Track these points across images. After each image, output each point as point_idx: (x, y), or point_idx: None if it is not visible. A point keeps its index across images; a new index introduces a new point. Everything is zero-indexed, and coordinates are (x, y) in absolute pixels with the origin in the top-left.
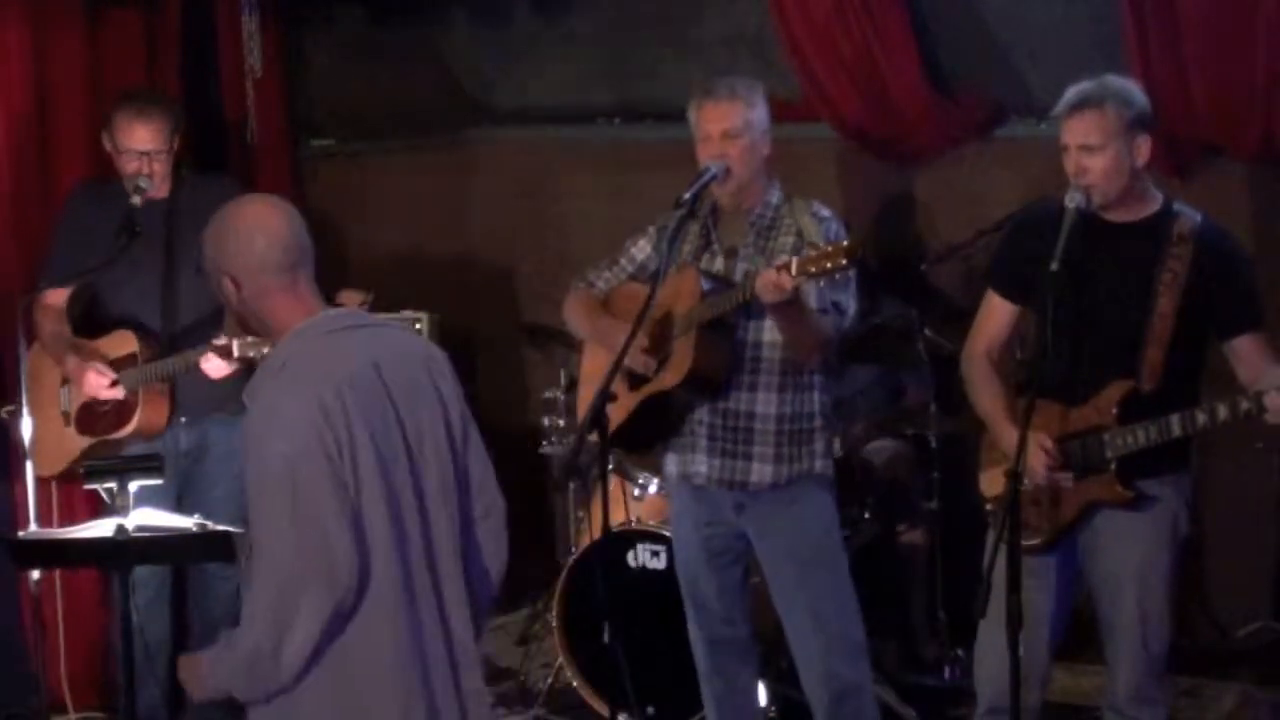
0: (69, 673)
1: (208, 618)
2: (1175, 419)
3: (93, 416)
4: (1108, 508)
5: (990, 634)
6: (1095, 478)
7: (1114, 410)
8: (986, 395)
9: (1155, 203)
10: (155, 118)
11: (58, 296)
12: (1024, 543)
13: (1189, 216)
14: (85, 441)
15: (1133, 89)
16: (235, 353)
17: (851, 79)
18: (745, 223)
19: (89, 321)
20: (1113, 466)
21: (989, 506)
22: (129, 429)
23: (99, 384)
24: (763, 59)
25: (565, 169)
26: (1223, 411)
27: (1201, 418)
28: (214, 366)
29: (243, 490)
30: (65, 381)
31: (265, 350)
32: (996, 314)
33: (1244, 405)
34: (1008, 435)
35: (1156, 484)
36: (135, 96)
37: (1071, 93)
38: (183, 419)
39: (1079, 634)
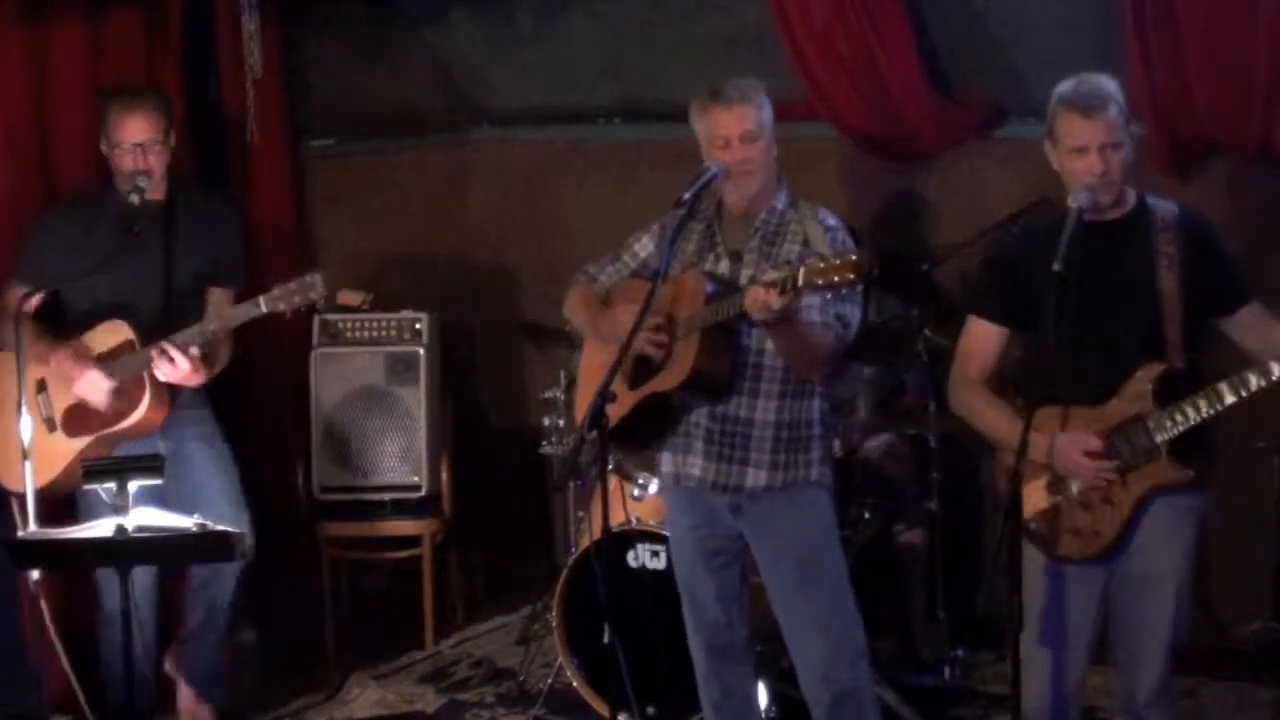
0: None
1: (205, 620)
2: (1225, 385)
3: (83, 416)
4: (1159, 498)
5: (1033, 652)
6: (1148, 467)
7: (1151, 394)
8: (998, 415)
9: (1133, 197)
10: (145, 108)
11: (32, 304)
12: (1076, 553)
13: (1165, 206)
14: (80, 443)
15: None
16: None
17: (852, 79)
18: (750, 227)
19: (55, 322)
20: (1164, 450)
21: (1031, 525)
22: (132, 420)
23: (103, 387)
24: (763, 59)
25: (565, 169)
26: (1276, 369)
27: (1254, 379)
28: (165, 371)
29: (224, 487)
30: (42, 388)
31: (200, 340)
32: (984, 339)
33: None
34: (1039, 442)
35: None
36: (123, 91)
37: (1076, 94)
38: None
39: None
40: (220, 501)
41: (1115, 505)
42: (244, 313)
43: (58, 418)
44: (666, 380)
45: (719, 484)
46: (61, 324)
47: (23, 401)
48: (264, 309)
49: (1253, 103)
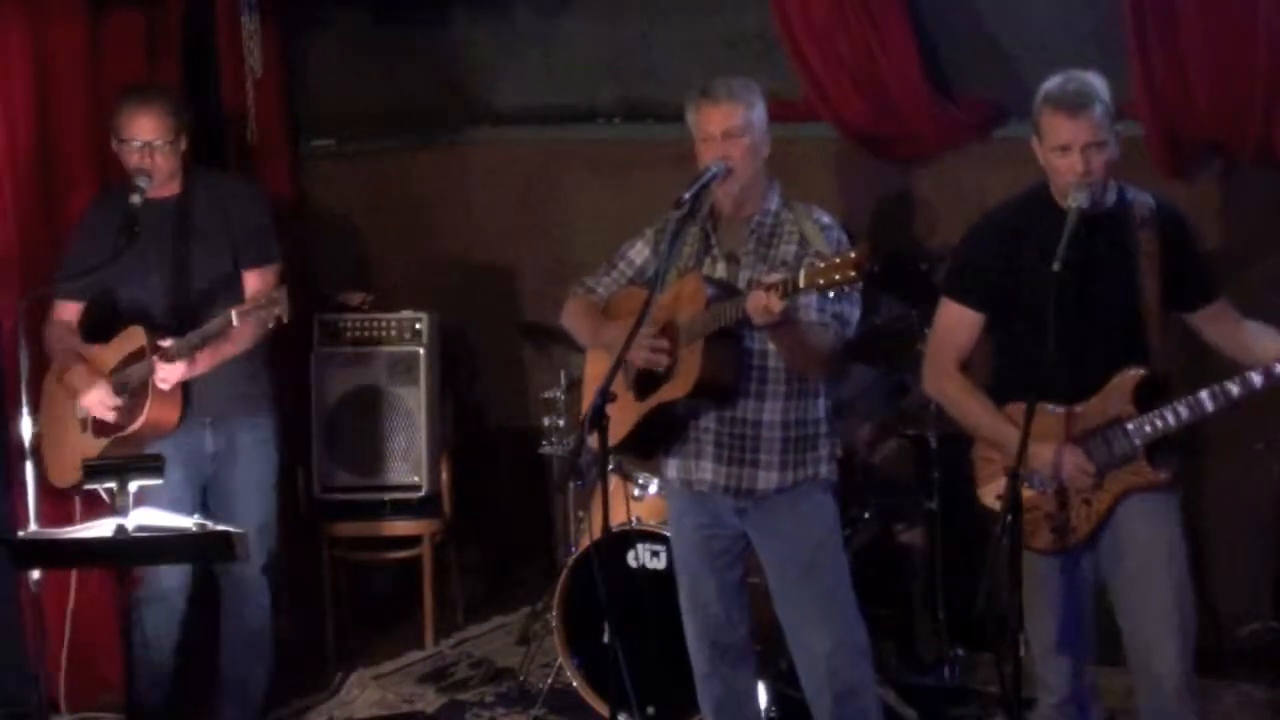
0: (68, 672)
1: (248, 626)
2: (1205, 394)
3: (103, 420)
4: (1135, 494)
5: (1041, 652)
6: (1125, 469)
7: (1131, 399)
8: (979, 407)
9: (1113, 191)
10: (156, 107)
11: (69, 311)
12: (1050, 546)
13: (1143, 200)
14: (102, 443)
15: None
16: (171, 348)
17: (851, 79)
18: (745, 229)
19: (109, 325)
20: (1142, 454)
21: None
22: (137, 425)
23: (107, 403)
24: (763, 59)
25: (565, 169)
26: (1256, 379)
27: (1235, 389)
28: (162, 378)
29: (265, 493)
30: None
31: (182, 352)
32: (962, 325)
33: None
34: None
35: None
36: (137, 88)
37: (1062, 92)
38: (208, 419)
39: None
40: (249, 506)
41: (1092, 505)
42: (218, 326)
43: (89, 420)
44: (674, 389)
45: (730, 488)
46: (114, 329)
47: (24, 404)
48: (235, 322)
49: (1253, 103)
